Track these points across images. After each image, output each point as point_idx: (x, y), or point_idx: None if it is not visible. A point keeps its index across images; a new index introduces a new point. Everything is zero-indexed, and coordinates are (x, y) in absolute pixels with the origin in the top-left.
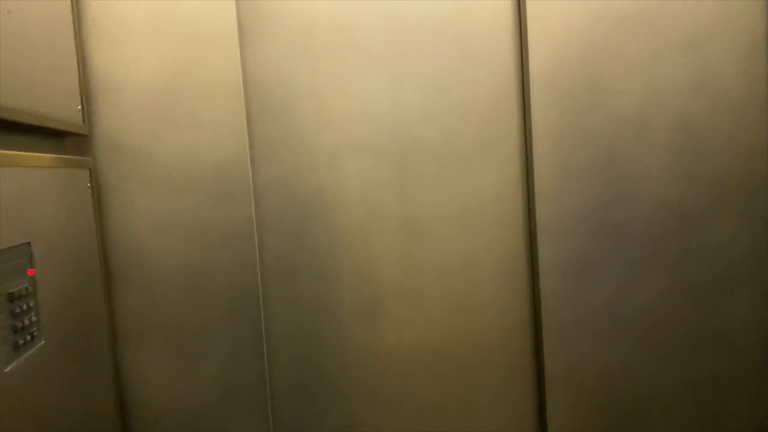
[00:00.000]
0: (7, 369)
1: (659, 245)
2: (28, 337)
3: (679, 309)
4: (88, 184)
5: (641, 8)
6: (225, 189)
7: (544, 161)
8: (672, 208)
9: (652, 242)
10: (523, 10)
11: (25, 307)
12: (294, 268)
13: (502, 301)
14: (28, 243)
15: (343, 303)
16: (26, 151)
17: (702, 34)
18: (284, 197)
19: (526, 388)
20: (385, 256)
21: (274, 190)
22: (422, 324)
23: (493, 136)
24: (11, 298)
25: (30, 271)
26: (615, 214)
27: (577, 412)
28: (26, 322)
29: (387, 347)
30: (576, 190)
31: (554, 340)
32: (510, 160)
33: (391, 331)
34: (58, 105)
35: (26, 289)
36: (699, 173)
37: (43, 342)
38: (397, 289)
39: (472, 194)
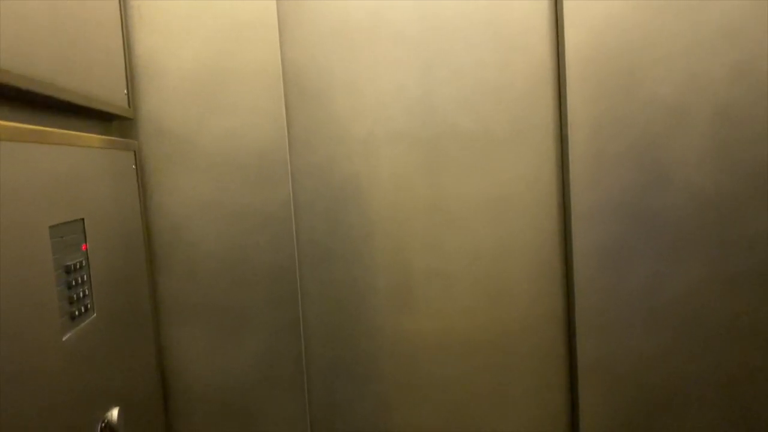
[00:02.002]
0: (65, 338)
1: (695, 235)
2: (82, 309)
3: (715, 300)
4: (134, 166)
5: None
6: (264, 173)
7: (579, 148)
8: (709, 197)
9: (689, 231)
10: None
11: (80, 280)
12: (329, 252)
13: (535, 289)
14: (82, 219)
15: (376, 287)
16: (78, 131)
17: (742, 21)
18: (320, 182)
19: (558, 376)
20: (418, 242)
21: (310, 175)
22: (454, 310)
23: (528, 123)
24: (68, 270)
25: (83, 246)
26: (651, 203)
27: (609, 401)
28: (81, 295)
29: (419, 332)
30: (611, 178)
31: (587, 329)
32: (545, 147)
33: (423, 316)
34: (105, 88)
35: (81, 263)
36: (737, 162)
37: (94, 315)
38: (430, 274)
39: (506, 181)
